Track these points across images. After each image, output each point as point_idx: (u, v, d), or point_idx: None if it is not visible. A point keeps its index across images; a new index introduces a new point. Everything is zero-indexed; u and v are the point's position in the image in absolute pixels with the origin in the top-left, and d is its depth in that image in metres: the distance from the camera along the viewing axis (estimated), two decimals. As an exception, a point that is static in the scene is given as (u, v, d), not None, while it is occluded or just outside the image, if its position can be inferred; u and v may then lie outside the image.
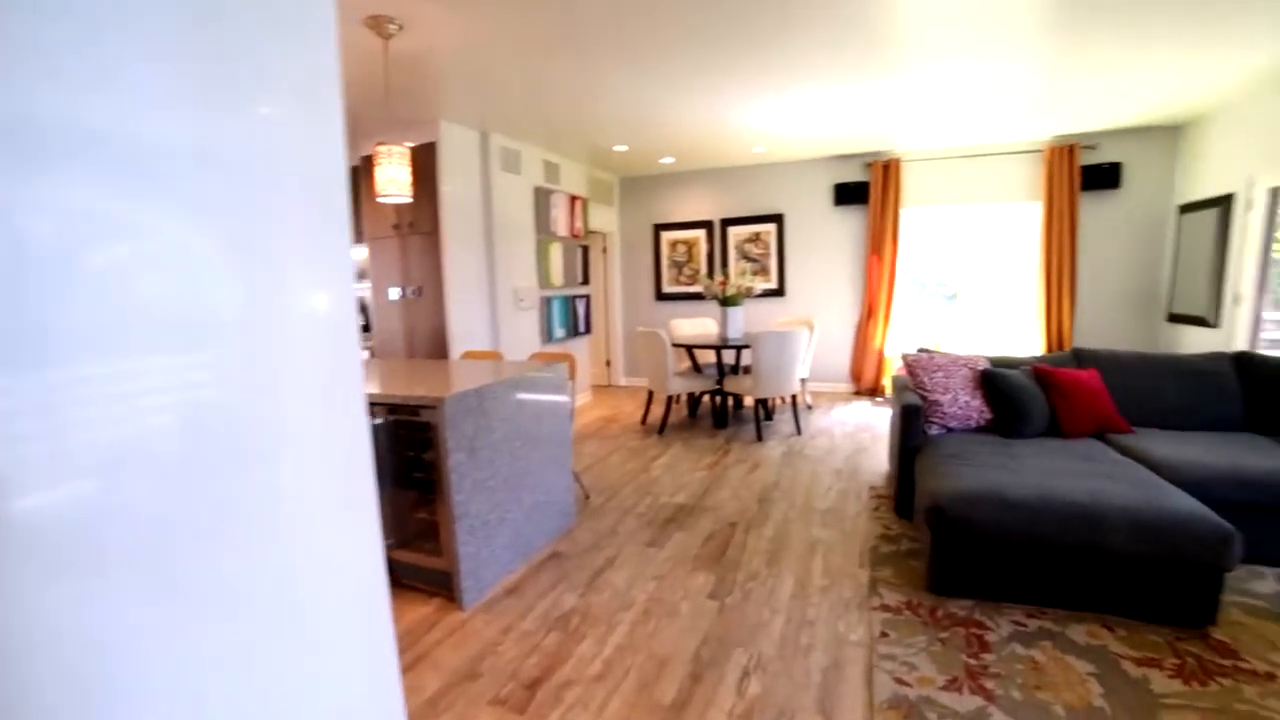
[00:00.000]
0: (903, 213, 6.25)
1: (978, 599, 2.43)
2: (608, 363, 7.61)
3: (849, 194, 6.40)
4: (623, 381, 7.62)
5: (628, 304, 7.57)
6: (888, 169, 6.17)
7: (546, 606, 2.52)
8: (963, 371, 3.33)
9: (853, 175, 6.43)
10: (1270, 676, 1.99)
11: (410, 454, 2.57)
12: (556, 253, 5.92)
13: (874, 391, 6.45)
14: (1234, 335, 4.69)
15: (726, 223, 6.99)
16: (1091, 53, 3.72)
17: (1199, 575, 2.19)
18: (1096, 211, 5.80)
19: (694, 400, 5.85)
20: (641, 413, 5.85)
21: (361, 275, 5.22)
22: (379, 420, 2.54)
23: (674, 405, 6.20)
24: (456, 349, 4.70)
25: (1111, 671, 2.01)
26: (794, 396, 5.03)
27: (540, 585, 2.69)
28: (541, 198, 5.67)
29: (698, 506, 3.55)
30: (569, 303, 6.16)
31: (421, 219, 4.67)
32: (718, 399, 5.36)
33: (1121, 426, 3.14)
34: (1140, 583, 2.25)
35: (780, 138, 5.52)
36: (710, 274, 6.98)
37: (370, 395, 2.53)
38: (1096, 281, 5.86)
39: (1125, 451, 2.91)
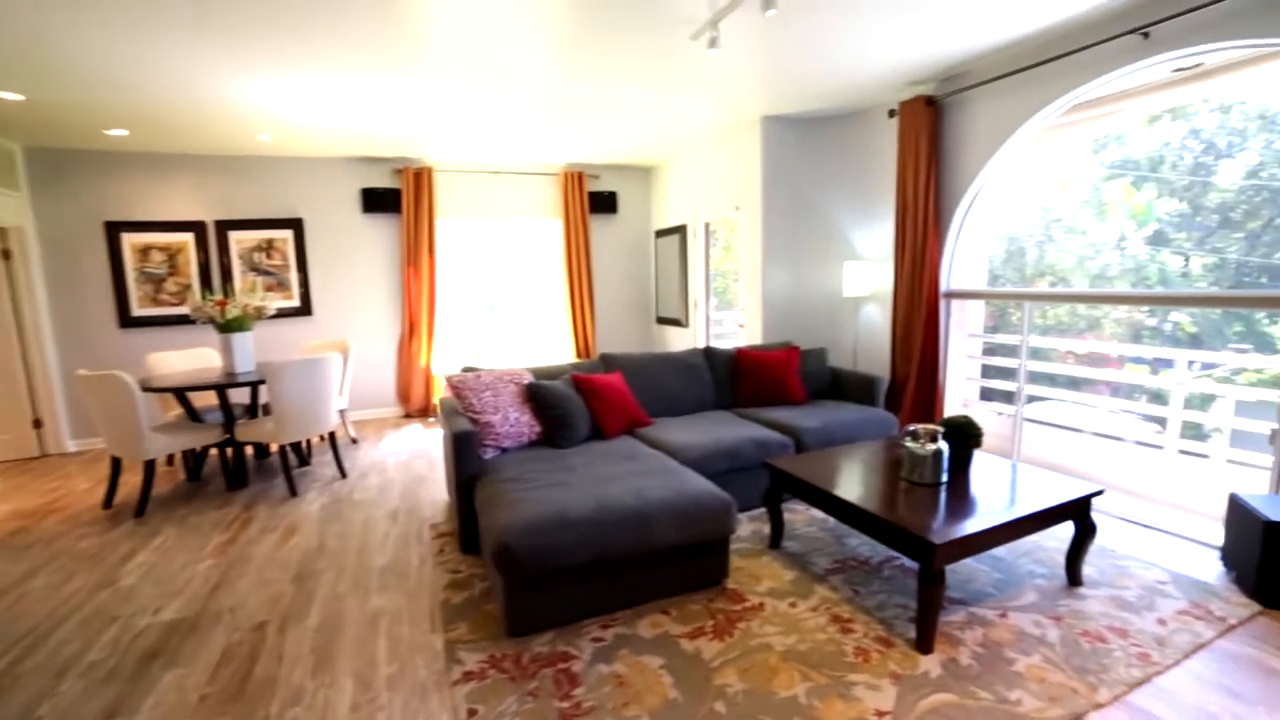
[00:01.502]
0: (438, 224, 6.08)
1: (558, 627, 2.33)
2: (38, 423, 5.13)
3: (379, 201, 5.86)
4: (71, 447, 5.26)
5: (68, 335, 5.24)
6: (419, 177, 5.88)
7: None
8: (510, 388, 3.26)
9: (382, 181, 5.92)
10: (760, 606, 2.45)
11: None
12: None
13: (425, 412, 6.11)
14: (698, 332, 6.12)
15: (226, 226, 5.53)
16: (585, 98, 4.21)
17: (715, 543, 2.56)
18: (603, 232, 6.80)
19: (196, 458, 4.37)
20: (104, 490, 4.06)
21: None
22: None
23: (165, 470, 4.55)
24: None
25: (675, 656, 2.14)
26: (332, 433, 4.24)
27: None
28: None
29: (203, 616, 2.52)
30: (-69, 338, 3.80)
31: None
32: (230, 452, 4.12)
33: (645, 420, 3.59)
34: (679, 562, 2.51)
35: (291, 126, 4.58)
36: (207, 291, 5.41)
37: None
38: (608, 292, 6.90)
39: (653, 444, 3.32)
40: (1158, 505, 3.34)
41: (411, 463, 4.61)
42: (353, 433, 5.19)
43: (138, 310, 5.39)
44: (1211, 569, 2.68)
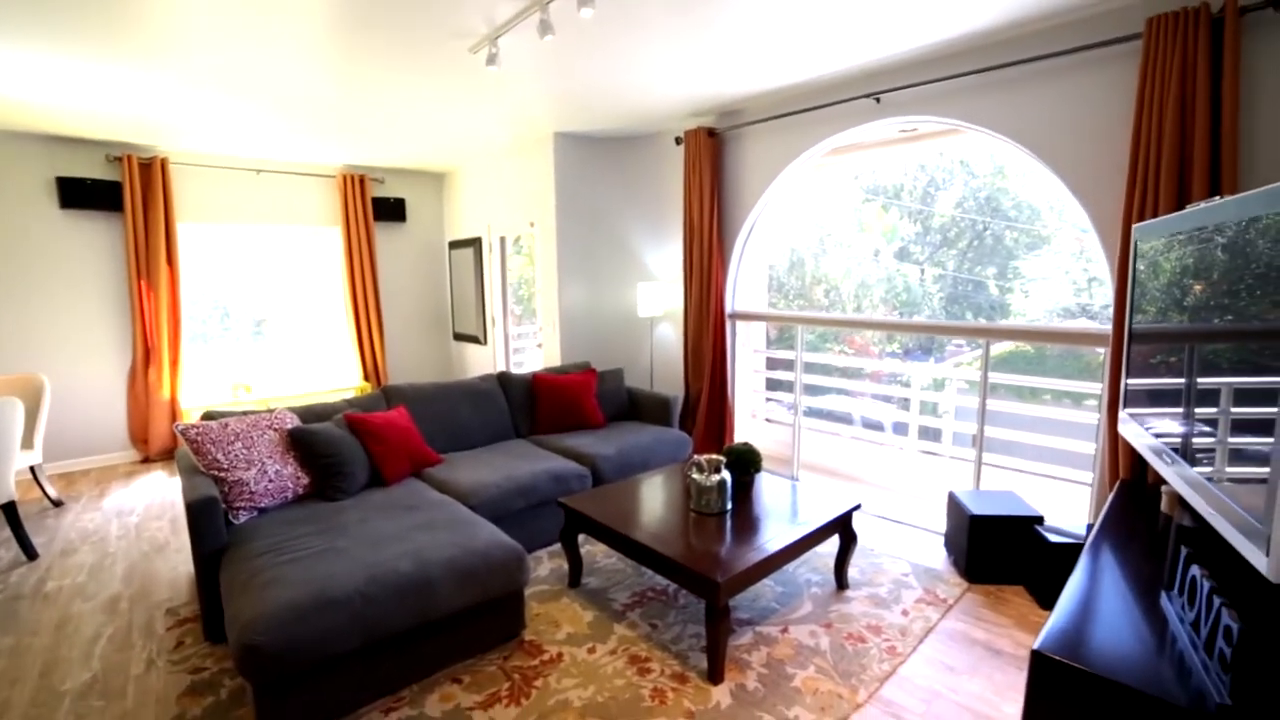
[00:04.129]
0: (180, 227, 5.07)
1: (323, 726, 2.00)
2: None
3: (88, 195, 4.69)
4: None
5: None
6: (149, 170, 4.84)
7: None
8: (267, 435, 2.77)
9: (90, 169, 4.74)
10: (559, 657, 2.34)
11: None
12: None
13: (172, 455, 5.07)
14: (497, 350, 5.86)
15: None
16: (362, 105, 3.80)
17: (510, 596, 2.40)
18: (390, 242, 6.21)
19: None
20: None
21: None
22: None
23: None
24: None
25: (462, 742, 1.94)
26: (11, 503, 3.24)
27: None
28: None
29: None
30: None
31: None
32: None
33: (432, 458, 3.29)
34: (471, 623, 2.31)
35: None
36: None
37: None
38: (398, 307, 6.32)
39: (440, 486, 3.03)
40: (905, 500, 3.88)
41: (147, 525, 3.75)
42: (53, 494, 4.07)
43: None
44: (939, 555, 3.16)
